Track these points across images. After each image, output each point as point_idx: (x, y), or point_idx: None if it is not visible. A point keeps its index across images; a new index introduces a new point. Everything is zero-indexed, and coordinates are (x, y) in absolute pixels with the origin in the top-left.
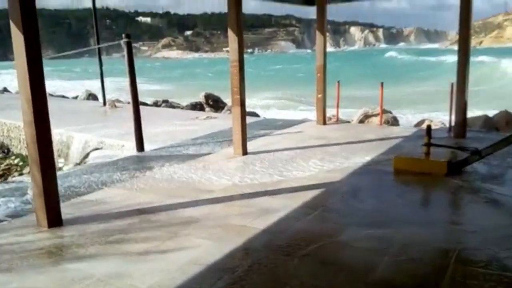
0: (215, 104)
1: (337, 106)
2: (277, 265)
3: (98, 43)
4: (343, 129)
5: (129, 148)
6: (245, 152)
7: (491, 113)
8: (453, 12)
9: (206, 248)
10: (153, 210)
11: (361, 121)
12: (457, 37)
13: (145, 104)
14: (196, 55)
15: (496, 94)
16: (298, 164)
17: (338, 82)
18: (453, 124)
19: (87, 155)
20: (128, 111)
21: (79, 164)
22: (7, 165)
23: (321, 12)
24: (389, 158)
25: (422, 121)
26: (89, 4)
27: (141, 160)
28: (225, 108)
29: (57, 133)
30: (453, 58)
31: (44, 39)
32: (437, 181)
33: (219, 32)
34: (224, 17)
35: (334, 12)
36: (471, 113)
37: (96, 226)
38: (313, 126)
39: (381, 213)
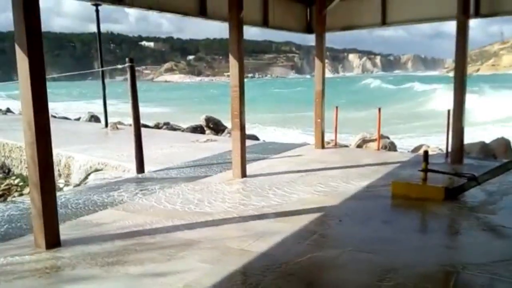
0: (216, 127)
1: (335, 131)
2: None
3: (102, 66)
4: (341, 153)
5: (129, 170)
6: (244, 175)
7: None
8: (450, 40)
9: (203, 272)
10: (151, 232)
11: (359, 146)
12: (454, 64)
13: (146, 126)
14: (198, 79)
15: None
16: (297, 187)
17: (337, 107)
18: (450, 150)
19: (87, 176)
20: (129, 133)
21: (79, 185)
22: (7, 185)
23: (320, 40)
24: (386, 183)
25: (420, 147)
26: (93, 28)
27: (141, 181)
28: (225, 131)
29: (58, 154)
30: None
31: (49, 61)
32: (434, 206)
33: (220, 57)
34: (226, 43)
35: (333, 39)
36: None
37: (94, 247)
38: (311, 150)
39: (378, 238)
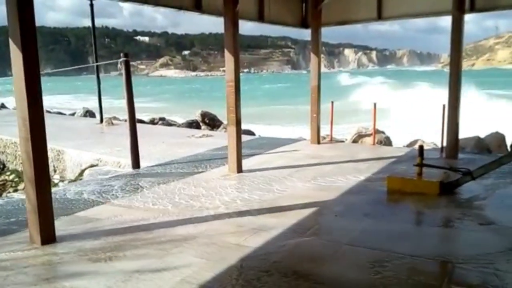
0: (211, 122)
1: (331, 126)
2: (271, 285)
3: (97, 61)
4: (337, 148)
5: (125, 165)
6: (240, 170)
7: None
8: (445, 35)
9: (199, 267)
10: (146, 227)
11: (355, 141)
12: (449, 59)
13: (141, 121)
14: (193, 74)
15: None
16: (293, 182)
17: (332, 102)
18: (445, 145)
19: (82, 172)
20: (124, 129)
21: (74, 180)
22: (2, 180)
23: (316, 35)
24: (382, 177)
25: (415, 141)
26: (88, 23)
27: (136, 177)
28: (221, 126)
29: (53, 150)
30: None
31: (43, 56)
32: (429, 201)
33: (216, 52)
34: (221, 37)
35: (328, 34)
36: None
37: (90, 243)
38: (307, 145)
39: (374, 233)
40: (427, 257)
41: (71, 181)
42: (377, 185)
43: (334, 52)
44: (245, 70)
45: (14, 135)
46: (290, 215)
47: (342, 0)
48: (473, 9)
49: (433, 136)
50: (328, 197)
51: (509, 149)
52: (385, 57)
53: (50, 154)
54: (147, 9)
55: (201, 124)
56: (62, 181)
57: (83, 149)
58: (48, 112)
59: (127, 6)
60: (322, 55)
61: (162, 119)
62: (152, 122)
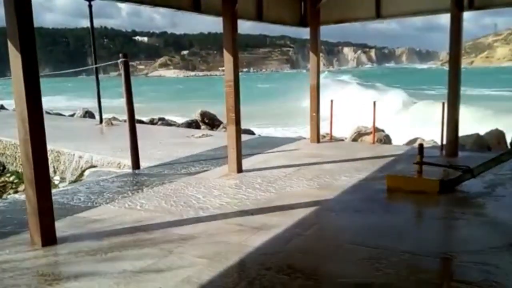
0: (211, 122)
1: (331, 125)
2: (273, 284)
3: (96, 62)
4: (336, 147)
5: (125, 166)
6: (240, 170)
7: None
8: (444, 33)
9: (201, 267)
10: (147, 227)
11: (354, 139)
12: (448, 57)
13: (141, 122)
14: (192, 73)
15: None
16: (293, 181)
17: (332, 101)
18: (444, 142)
19: (82, 173)
20: (124, 129)
21: (74, 181)
22: (2, 182)
23: (314, 33)
24: (382, 176)
25: (414, 140)
26: (86, 24)
27: (136, 177)
28: (221, 126)
29: (53, 151)
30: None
31: (42, 57)
32: (429, 199)
33: (215, 51)
34: (220, 37)
35: (327, 32)
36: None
37: (91, 244)
38: (307, 144)
39: (374, 231)
40: (428, 255)
41: (71, 182)
42: (377, 183)
43: (333, 50)
44: (244, 70)
45: (14, 136)
46: (290, 214)
47: None
48: (471, 7)
49: (431, 134)
50: (328, 196)
51: (509, 146)
52: (384, 55)
53: (50, 155)
54: (145, 9)
55: (200, 123)
56: (62, 182)
57: (83, 150)
58: (48, 113)
59: (125, 6)
60: (321, 54)
61: (161, 119)
62: (152, 122)
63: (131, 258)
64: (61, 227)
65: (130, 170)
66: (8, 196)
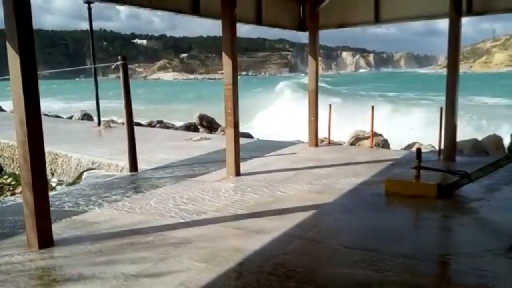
0: (209, 125)
1: (329, 129)
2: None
3: (94, 64)
4: (335, 151)
5: (123, 168)
6: (238, 173)
7: None
8: (442, 37)
9: (198, 270)
10: (144, 231)
11: (353, 144)
12: (447, 62)
13: (139, 124)
14: (191, 76)
15: None
16: (291, 185)
17: (330, 105)
18: (442, 147)
19: (80, 175)
20: (122, 131)
21: (72, 184)
22: None
23: (313, 38)
24: (380, 180)
25: (412, 144)
26: (86, 26)
27: (134, 180)
28: (219, 129)
29: (51, 153)
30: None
31: (41, 59)
32: (427, 203)
33: (214, 54)
34: (219, 40)
35: (326, 37)
36: None
37: (88, 246)
38: (305, 148)
39: (372, 234)
40: (425, 258)
41: (68, 184)
42: (375, 187)
43: (332, 55)
44: (243, 73)
45: (12, 138)
46: (288, 217)
47: (339, 3)
48: (470, 12)
49: (429, 139)
50: (326, 200)
51: (506, 151)
52: (383, 60)
53: (48, 158)
54: (144, 12)
55: (199, 127)
56: (60, 184)
57: (81, 152)
58: (46, 115)
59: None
60: (320, 58)
61: (160, 121)
62: (150, 125)
63: (128, 261)
64: (58, 229)
65: (128, 173)
66: (5, 198)
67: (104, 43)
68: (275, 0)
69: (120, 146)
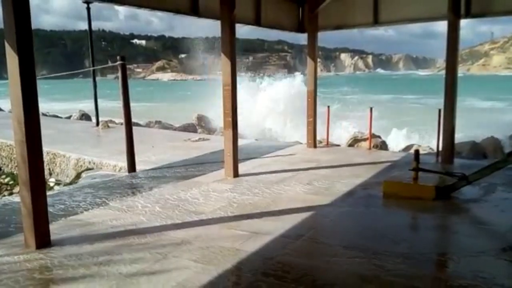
0: (208, 125)
1: (327, 130)
2: None
3: (93, 65)
4: (333, 152)
5: (121, 169)
6: (236, 174)
7: None
8: (440, 40)
9: (195, 271)
10: (142, 231)
11: (351, 145)
12: (445, 64)
13: (138, 124)
14: (190, 77)
15: None
16: (289, 186)
17: (328, 107)
18: (440, 149)
19: (78, 175)
20: (120, 132)
21: (70, 184)
22: None
23: (312, 39)
24: (378, 181)
25: (411, 146)
26: (84, 26)
27: (132, 180)
28: (218, 129)
29: (49, 153)
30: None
31: (39, 59)
32: (425, 205)
33: (213, 55)
34: (219, 41)
35: (325, 38)
36: None
37: (85, 247)
38: (304, 149)
39: (369, 236)
40: (422, 260)
41: (66, 184)
42: (373, 189)
43: (330, 56)
44: (242, 74)
45: (10, 138)
46: (286, 219)
47: (338, 5)
48: (468, 15)
49: (428, 141)
50: (324, 201)
51: (504, 153)
52: (381, 62)
53: (46, 157)
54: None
55: (197, 127)
56: (58, 184)
57: (79, 152)
58: (44, 115)
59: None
60: (318, 59)
61: (158, 122)
62: (148, 125)
63: (125, 262)
64: (56, 229)
65: (126, 173)
66: (3, 198)
67: (103, 43)
68: (274, 2)
69: (118, 147)
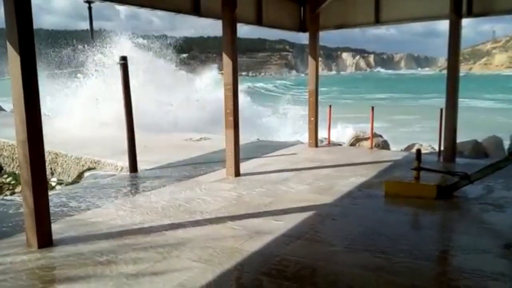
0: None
1: (329, 129)
2: None
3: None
4: (335, 152)
5: (123, 168)
6: (238, 174)
7: None
8: (442, 39)
9: (197, 271)
10: (144, 231)
11: (352, 144)
12: (447, 63)
13: None
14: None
15: None
16: (290, 186)
17: (330, 106)
18: (442, 148)
19: (80, 175)
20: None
21: (71, 183)
22: None
23: (313, 38)
24: (380, 181)
25: (412, 145)
26: (86, 26)
27: (134, 180)
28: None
29: (50, 152)
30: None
31: (40, 58)
32: (426, 204)
33: (214, 55)
34: (220, 41)
35: (326, 38)
36: None
37: (87, 246)
38: (305, 148)
39: (371, 235)
40: (423, 259)
41: (68, 184)
42: (375, 188)
43: (332, 55)
44: (243, 73)
45: (12, 137)
46: (288, 218)
47: (340, 4)
48: (470, 14)
49: (431, 138)
50: (326, 201)
51: (506, 153)
52: (383, 61)
53: (47, 157)
54: (144, 12)
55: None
56: (60, 184)
57: (81, 151)
58: (46, 114)
59: (123, 9)
60: (320, 59)
61: None
62: None
63: (127, 261)
64: (58, 229)
65: (128, 173)
66: (5, 198)
67: None
68: (275, 1)
69: (120, 146)
